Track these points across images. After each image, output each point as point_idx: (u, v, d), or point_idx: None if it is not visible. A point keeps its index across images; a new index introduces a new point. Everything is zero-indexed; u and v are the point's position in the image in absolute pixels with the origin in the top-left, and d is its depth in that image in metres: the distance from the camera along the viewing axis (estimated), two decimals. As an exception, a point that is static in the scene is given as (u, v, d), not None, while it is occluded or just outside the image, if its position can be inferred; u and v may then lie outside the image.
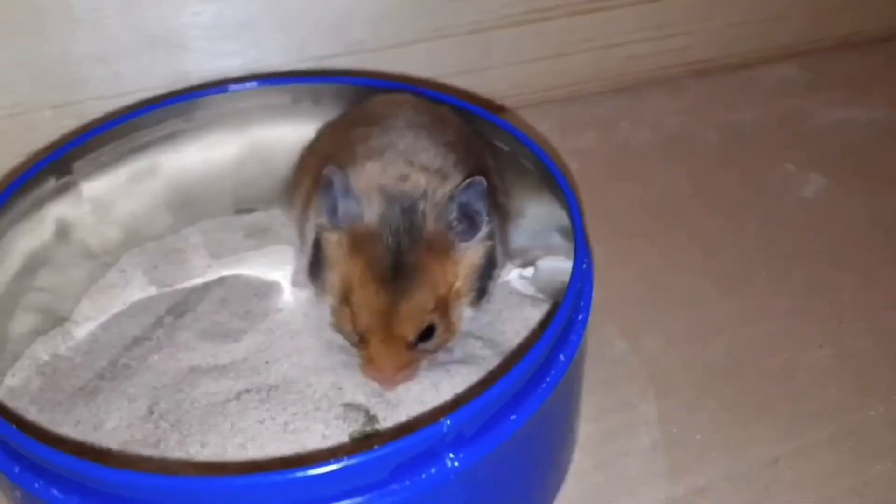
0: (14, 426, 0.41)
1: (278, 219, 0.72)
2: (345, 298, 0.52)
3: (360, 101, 0.66)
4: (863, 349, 0.64)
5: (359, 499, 0.41)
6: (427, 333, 0.52)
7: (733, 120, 0.88)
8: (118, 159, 0.65)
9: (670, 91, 0.93)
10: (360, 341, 0.52)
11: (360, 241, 0.51)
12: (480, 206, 0.51)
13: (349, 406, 0.53)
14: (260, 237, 0.71)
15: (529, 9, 0.85)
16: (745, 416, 0.60)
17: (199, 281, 0.67)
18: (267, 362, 0.58)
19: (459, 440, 0.42)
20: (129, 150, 0.65)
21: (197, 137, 0.68)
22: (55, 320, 0.64)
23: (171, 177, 0.68)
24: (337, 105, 0.68)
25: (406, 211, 0.51)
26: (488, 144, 0.64)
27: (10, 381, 0.59)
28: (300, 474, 0.38)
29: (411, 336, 0.51)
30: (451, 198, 0.51)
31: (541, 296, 0.66)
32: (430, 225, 0.51)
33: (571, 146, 0.85)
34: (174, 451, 0.52)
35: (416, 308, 0.50)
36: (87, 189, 0.64)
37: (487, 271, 0.54)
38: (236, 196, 0.72)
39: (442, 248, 0.51)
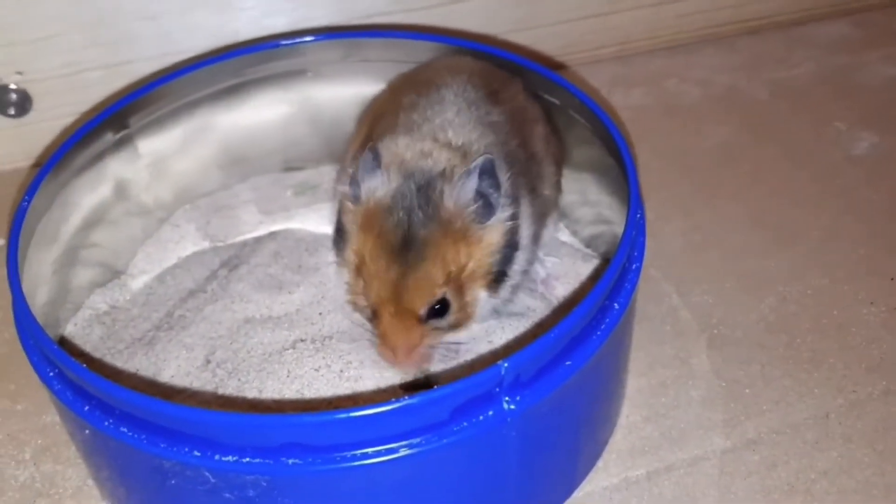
0: (86, 366, 0.43)
1: (327, 176, 0.73)
2: (358, 272, 0.52)
3: (411, 59, 0.66)
4: (916, 305, 0.63)
5: (417, 440, 0.42)
6: (440, 310, 0.50)
7: (784, 77, 0.87)
8: (173, 116, 0.66)
9: (721, 49, 0.91)
10: (373, 316, 0.51)
11: (372, 216, 0.50)
12: (487, 185, 0.50)
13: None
14: (310, 195, 0.71)
15: (578, -35, 0.84)
16: (797, 370, 0.59)
17: (250, 236, 0.68)
18: (320, 313, 0.59)
19: (516, 384, 0.43)
20: (184, 107, 0.66)
21: (249, 95, 0.68)
22: (112, 273, 0.65)
23: (224, 134, 0.69)
24: (387, 62, 0.68)
25: (422, 188, 0.50)
26: (552, 129, 0.62)
27: (72, 329, 0.61)
28: (362, 413, 0.39)
29: (421, 308, 0.50)
30: (465, 177, 0.50)
31: (589, 251, 0.66)
32: (449, 204, 0.50)
33: (619, 103, 0.84)
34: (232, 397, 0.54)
35: (424, 279, 0.49)
36: (143, 145, 0.65)
37: (508, 253, 0.52)
38: (286, 154, 0.73)
39: (458, 228, 0.50)
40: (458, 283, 0.51)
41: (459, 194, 0.50)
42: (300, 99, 0.70)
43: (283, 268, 0.64)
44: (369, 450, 0.41)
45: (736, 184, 0.75)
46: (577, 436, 0.50)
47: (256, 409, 0.51)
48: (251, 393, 0.53)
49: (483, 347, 0.55)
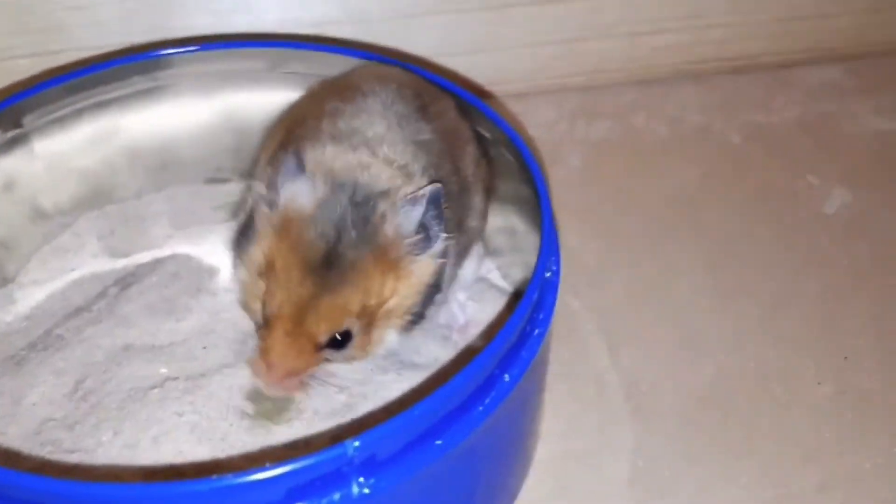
0: None
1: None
2: (261, 274, 0.46)
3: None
4: (867, 391, 0.57)
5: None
6: (340, 342, 0.45)
7: (761, 122, 0.81)
8: (76, 116, 0.60)
9: (698, 86, 0.86)
10: (264, 326, 0.46)
11: (290, 223, 0.45)
12: (431, 216, 0.45)
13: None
14: (229, 209, 0.66)
15: (550, -14, 0.79)
16: (726, 453, 0.54)
17: (156, 252, 0.63)
18: (205, 347, 0.54)
19: (371, 463, 0.37)
20: (89, 108, 0.60)
21: (165, 99, 0.63)
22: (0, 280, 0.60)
23: (137, 139, 0.64)
24: (319, 75, 0.62)
25: (358, 205, 0.45)
26: (482, 151, 0.57)
27: (-66, 343, 0.55)
28: (167, 490, 0.34)
29: (323, 336, 0.45)
30: (412, 204, 0.45)
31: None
32: (389, 230, 0.45)
33: (580, 136, 0.79)
34: (87, 436, 0.48)
35: (338, 306, 0.44)
36: (40, 145, 0.60)
37: (432, 293, 0.47)
38: (208, 164, 0.67)
39: (392, 258, 0.45)
40: (372, 317, 0.46)
41: (403, 222, 0.45)
42: (224, 107, 0.65)
43: (179, 291, 0.58)
44: (184, 532, 0.35)
45: (692, 232, 0.69)
46: (457, 517, 0.44)
47: (87, 473, 0.45)
48: (106, 434, 0.48)
49: (374, 401, 0.50)
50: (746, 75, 0.87)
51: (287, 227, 0.45)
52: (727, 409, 0.56)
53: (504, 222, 0.60)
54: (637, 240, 0.69)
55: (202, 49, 0.61)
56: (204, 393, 0.49)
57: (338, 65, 0.61)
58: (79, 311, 0.58)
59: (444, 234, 0.46)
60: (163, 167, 0.66)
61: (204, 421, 0.48)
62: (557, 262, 0.48)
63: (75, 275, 0.61)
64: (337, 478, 0.37)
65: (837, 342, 0.60)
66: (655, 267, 0.66)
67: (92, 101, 0.60)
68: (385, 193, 0.45)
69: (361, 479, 0.37)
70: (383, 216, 0.45)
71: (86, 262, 0.62)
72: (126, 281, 0.60)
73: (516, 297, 0.59)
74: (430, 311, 0.49)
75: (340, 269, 0.44)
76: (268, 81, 0.64)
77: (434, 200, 0.45)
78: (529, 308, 0.43)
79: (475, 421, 0.40)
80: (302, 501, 0.36)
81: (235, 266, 0.51)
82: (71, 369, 0.53)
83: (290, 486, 0.36)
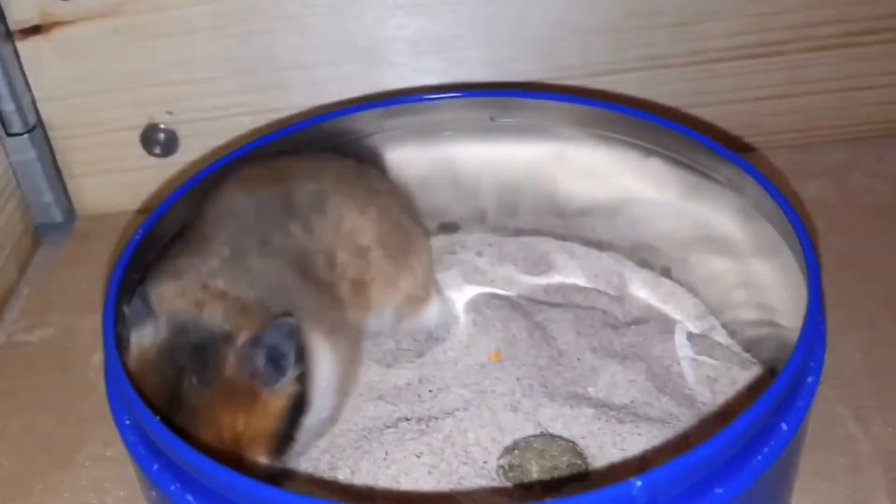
0: (155, 415, 0.38)
1: (469, 242, 0.67)
2: None
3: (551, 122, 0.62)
4: None
5: (521, 561, 0.34)
6: None
7: None
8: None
9: (918, 145, 0.81)
10: None
11: (143, 364, 0.44)
12: (288, 348, 0.44)
13: (509, 450, 0.47)
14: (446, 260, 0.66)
15: (758, 41, 0.76)
16: None
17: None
18: (431, 391, 0.53)
19: (651, 508, 0.35)
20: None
21: (388, 146, 0.64)
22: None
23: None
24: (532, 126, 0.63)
25: (198, 349, 0.43)
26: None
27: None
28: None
29: None
30: (256, 342, 0.43)
31: (749, 356, 0.57)
32: (232, 371, 0.43)
33: (793, 195, 0.75)
34: (323, 474, 0.48)
35: None
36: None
37: (294, 417, 0.46)
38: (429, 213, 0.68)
39: (241, 396, 0.43)
40: (236, 444, 0.44)
41: (247, 362, 0.43)
42: (441, 157, 0.66)
43: (408, 336, 0.58)
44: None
45: (931, 297, 0.64)
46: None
47: (348, 496, 0.45)
48: (343, 473, 0.47)
49: (612, 454, 0.47)
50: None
51: (139, 369, 0.44)
52: None
53: (742, 276, 0.57)
54: (871, 302, 0.64)
55: (424, 100, 0.62)
56: (440, 433, 0.48)
57: (551, 114, 0.61)
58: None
59: (295, 366, 0.44)
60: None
61: (442, 464, 0.46)
62: (823, 312, 0.45)
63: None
64: (617, 521, 0.34)
65: None
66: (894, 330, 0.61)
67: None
68: (227, 336, 0.44)
69: (641, 525, 0.35)
70: (224, 359, 0.43)
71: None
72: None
73: (770, 370, 0.55)
74: (304, 427, 0.47)
75: (184, 415, 0.43)
76: (481, 132, 0.65)
77: (289, 333, 0.43)
78: (806, 351, 0.40)
79: (756, 470, 0.37)
80: (580, 544, 0.34)
81: None
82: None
83: (571, 524, 0.34)
